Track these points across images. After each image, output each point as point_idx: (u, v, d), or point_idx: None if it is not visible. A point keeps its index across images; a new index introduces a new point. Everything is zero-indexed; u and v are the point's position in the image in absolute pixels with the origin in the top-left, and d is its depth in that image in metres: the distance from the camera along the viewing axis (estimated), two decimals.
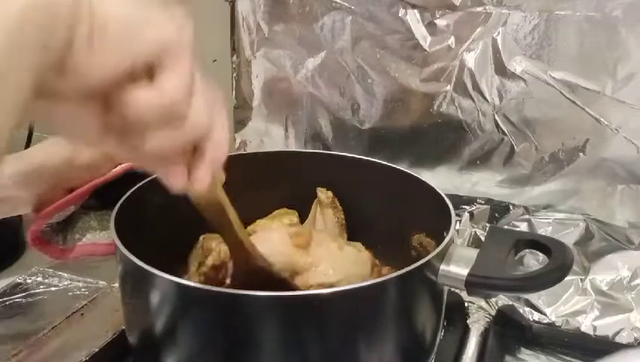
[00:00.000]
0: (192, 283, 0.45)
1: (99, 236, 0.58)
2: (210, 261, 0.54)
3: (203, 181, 0.36)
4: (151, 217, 0.55)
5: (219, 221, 0.46)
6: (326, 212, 0.65)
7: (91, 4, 0.27)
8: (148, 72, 0.30)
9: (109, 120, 0.31)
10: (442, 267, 0.48)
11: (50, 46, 0.26)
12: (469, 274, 0.47)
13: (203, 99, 0.33)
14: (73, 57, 0.27)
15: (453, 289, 0.66)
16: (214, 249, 0.55)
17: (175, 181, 0.35)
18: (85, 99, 0.30)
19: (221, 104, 0.36)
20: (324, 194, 0.65)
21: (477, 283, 0.48)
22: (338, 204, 0.66)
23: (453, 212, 0.54)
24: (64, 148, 0.56)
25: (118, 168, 0.58)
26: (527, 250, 0.69)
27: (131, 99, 0.30)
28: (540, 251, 0.52)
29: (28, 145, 1.10)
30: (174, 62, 0.30)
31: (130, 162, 0.34)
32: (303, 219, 0.67)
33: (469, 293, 0.49)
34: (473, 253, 0.49)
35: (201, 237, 0.58)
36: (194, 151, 0.35)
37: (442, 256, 0.48)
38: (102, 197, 0.57)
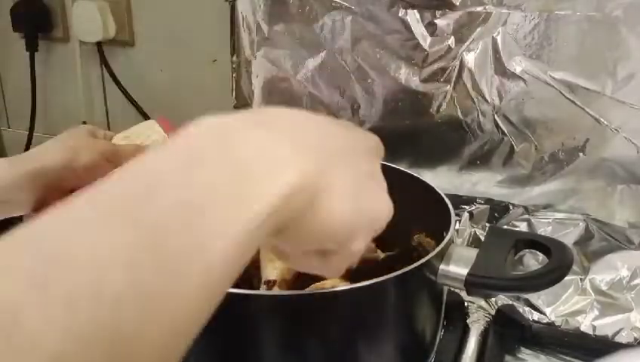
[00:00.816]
0: None
1: None
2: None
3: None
4: None
5: None
6: None
7: (320, 193, 0.27)
8: None
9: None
10: (442, 267, 0.48)
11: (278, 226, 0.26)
12: (468, 274, 0.47)
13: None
14: (285, 234, 0.28)
15: (452, 289, 0.66)
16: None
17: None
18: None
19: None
20: None
21: (476, 283, 0.48)
22: None
23: (452, 212, 0.54)
24: (65, 151, 0.56)
25: (117, 169, 0.58)
26: (526, 250, 0.69)
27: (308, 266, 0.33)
28: (540, 251, 0.52)
29: (28, 145, 1.10)
30: (347, 256, 0.32)
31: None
32: None
33: (469, 293, 0.49)
34: (473, 253, 0.50)
35: None
36: None
37: (442, 256, 0.48)
38: None
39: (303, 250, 0.31)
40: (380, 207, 0.34)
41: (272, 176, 0.25)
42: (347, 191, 0.29)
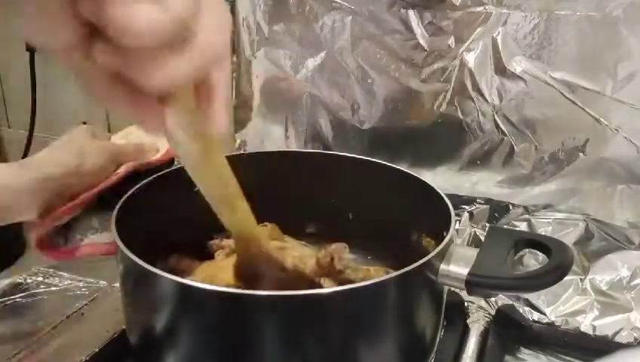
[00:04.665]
0: (192, 283, 0.45)
1: (100, 236, 0.58)
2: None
3: (224, 123, 0.30)
4: (151, 217, 0.55)
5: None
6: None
7: None
8: None
9: (94, 39, 0.24)
10: (442, 266, 0.48)
11: None
12: (469, 274, 0.47)
13: (212, 18, 0.26)
14: None
15: (453, 289, 0.66)
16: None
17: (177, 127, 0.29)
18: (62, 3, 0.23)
19: (228, 23, 0.29)
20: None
21: (477, 283, 0.48)
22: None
23: (452, 212, 0.54)
24: (71, 157, 0.56)
25: (121, 169, 0.58)
26: (526, 250, 0.69)
27: (126, 14, 0.22)
28: (540, 251, 0.52)
29: (28, 146, 1.10)
30: None
31: (114, 101, 0.27)
32: (304, 219, 0.67)
33: (469, 293, 0.49)
34: (473, 253, 0.50)
35: None
36: (197, 89, 0.29)
37: (442, 256, 0.49)
38: (102, 198, 0.58)
39: None
40: None
41: None
42: None
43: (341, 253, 0.55)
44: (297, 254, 0.56)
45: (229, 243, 0.59)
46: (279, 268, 0.52)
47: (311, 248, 0.63)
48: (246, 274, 0.50)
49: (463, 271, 0.48)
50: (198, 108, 0.30)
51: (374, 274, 0.55)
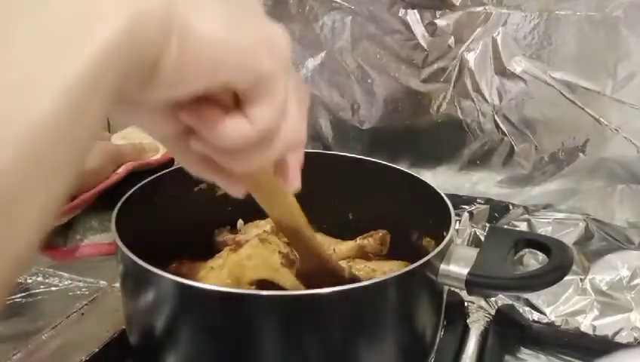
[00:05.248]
0: (193, 283, 0.45)
1: (100, 237, 0.58)
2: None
3: (296, 186, 0.37)
4: (151, 217, 0.55)
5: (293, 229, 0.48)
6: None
7: (183, 19, 0.23)
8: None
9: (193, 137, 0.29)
10: (442, 266, 0.48)
11: (131, 74, 0.23)
12: (469, 274, 0.47)
13: (296, 112, 0.30)
14: (157, 78, 0.24)
15: (453, 289, 0.66)
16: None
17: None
18: (165, 109, 0.27)
19: (307, 100, 0.33)
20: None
21: (477, 283, 0.48)
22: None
23: (452, 211, 0.54)
24: None
25: (121, 169, 0.58)
26: (526, 250, 0.69)
27: (221, 131, 0.27)
28: (540, 250, 0.52)
29: None
30: (269, 93, 0.27)
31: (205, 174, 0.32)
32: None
33: (469, 293, 0.49)
34: (473, 253, 0.50)
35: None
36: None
37: (442, 256, 0.48)
38: (102, 197, 0.57)
39: (204, 110, 0.27)
40: (269, 25, 0.29)
41: (102, 10, 0.21)
42: (224, 14, 0.25)
43: (387, 239, 0.60)
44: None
45: (237, 237, 0.60)
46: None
47: (326, 238, 0.65)
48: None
49: (463, 271, 0.48)
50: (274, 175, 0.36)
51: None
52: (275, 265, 0.53)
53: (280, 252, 0.54)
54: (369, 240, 0.60)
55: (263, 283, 0.52)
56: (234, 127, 0.27)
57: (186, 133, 0.29)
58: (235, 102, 0.27)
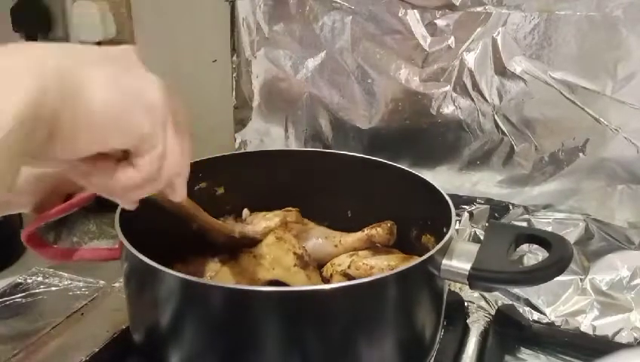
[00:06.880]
0: (197, 279, 0.45)
1: (98, 242, 0.58)
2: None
3: (181, 196, 0.40)
4: (153, 216, 0.55)
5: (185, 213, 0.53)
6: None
7: (76, 91, 0.29)
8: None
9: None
10: (444, 262, 0.48)
11: (34, 140, 0.28)
12: (471, 269, 0.47)
13: (176, 149, 0.35)
14: (55, 143, 0.29)
15: (453, 289, 0.66)
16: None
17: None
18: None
19: (186, 125, 0.37)
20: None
21: (479, 277, 0.48)
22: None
23: (453, 208, 0.54)
24: None
25: None
26: (526, 250, 0.69)
27: (114, 179, 0.34)
28: (540, 245, 0.52)
29: None
30: (150, 147, 0.33)
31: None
32: (304, 217, 0.67)
33: (471, 287, 0.49)
34: (474, 248, 0.50)
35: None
36: None
37: (444, 251, 0.49)
38: (100, 200, 0.57)
39: (99, 163, 0.33)
40: (145, 83, 0.34)
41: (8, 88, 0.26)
42: (108, 80, 0.31)
43: (394, 229, 0.61)
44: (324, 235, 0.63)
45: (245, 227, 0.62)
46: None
47: (331, 231, 0.65)
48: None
49: (466, 265, 0.48)
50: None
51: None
52: (289, 265, 0.53)
53: (295, 253, 0.55)
54: (377, 230, 0.60)
55: (274, 281, 0.52)
56: (124, 176, 0.34)
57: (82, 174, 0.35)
58: (123, 153, 0.34)
